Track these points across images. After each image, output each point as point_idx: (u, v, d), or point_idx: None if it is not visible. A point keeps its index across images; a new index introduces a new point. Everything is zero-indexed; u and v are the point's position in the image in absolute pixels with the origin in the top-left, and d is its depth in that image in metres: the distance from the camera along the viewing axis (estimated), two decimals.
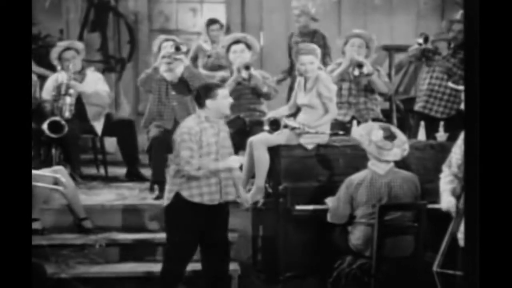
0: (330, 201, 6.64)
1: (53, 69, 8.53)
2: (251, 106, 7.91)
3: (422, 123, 7.50)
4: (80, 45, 8.70)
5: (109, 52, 10.35)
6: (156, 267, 6.70)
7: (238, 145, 7.49)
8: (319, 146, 7.07)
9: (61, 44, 8.64)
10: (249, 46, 7.93)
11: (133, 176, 8.37)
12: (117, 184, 8.24)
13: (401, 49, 9.93)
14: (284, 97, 8.41)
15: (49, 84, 8.37)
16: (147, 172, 8.02)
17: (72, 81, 8.29)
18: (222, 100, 6.25)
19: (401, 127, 8.29)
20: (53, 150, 7.99)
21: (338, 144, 7.11)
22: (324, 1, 9.82)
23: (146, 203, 7.49)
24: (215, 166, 6.17)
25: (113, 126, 8.52)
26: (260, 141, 7.13)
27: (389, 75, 9.63)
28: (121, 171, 8.57)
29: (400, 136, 6.51)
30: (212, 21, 9.16)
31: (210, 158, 6.18)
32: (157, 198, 7.48)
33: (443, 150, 6.57)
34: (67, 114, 8.18)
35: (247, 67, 7.72)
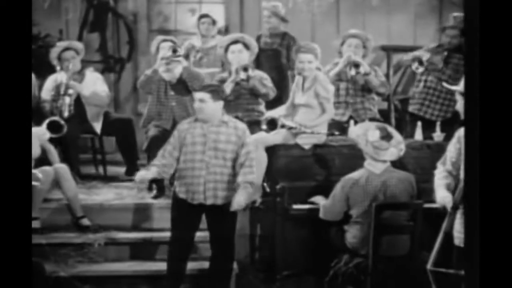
0: (317, 200, 6.72)
1: (52, 69, 8.54)
2: (250, 106, 7.95)
3: (419, 123, 7.55)
4: (79, 45, 8.72)
5: (108, 52, 10.33)
6: (155, 266, 6.87)
7: None
8: (316, 145, 7.12)
9: (61, 44, 8.66)
10: (247, 46, 7.98)
11: (133, 173, 8.34)
12: (116, 183, 8.26)
13: (399, 49, 9.99)
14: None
15: (49, 84, 8.39)
16: None
17: (72, 81, 8.31)
18: (196, 102, 6.40)
19: (399, 127, 8.37)
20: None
21: (335, 143, 7.16)
22: (322, 2, 9.85)
23: (145, 202, 7.53)
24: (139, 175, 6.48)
25: (112, 124, 8.53)
26: (258, 141, 7.14)
27: (387, 75, 9.69)
28: (120, 170, 8.59)
29: (397, 136, 6.55)
30: (203, 16, 9.21)
31: (194, 158, 6.32)
32: (156, 197, 7.58)
33: (440, 150, 6.54)
34: (66, 114, 8.20)
35: (245, 69, 7.76)
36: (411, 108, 8.25)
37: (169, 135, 7.46)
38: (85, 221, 7.21)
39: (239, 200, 6.29)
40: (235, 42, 7.99)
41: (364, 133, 6.49)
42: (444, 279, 5.41)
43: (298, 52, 7.27)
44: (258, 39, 8.90)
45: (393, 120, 9.19)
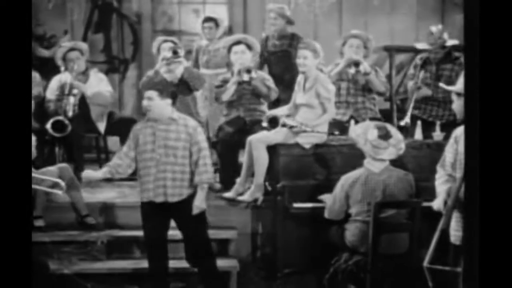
0: (326, 198, 6.74)
1: (57, 69, 8.60)
2: (252, 106, 8.01)
3: (419, 123, 7.59)
4: (84, 46, 8.80)
5: (113, 52, 10.38)
6: None
7: (238, 144, 7.66)
8: (316, 145, 7.16)
9: (66, 45, 8.73)
10: (249, 47, 8.03)
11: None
12: (119, 182, 8.21)
13: (402, 49, 10.05)
14: None
15: (53, 84, 8.45)
16: None
17: (76, 81, 8.38)
18: (144, 100, 6.47)
19: (401, 126, 8.40)
20: (57, 149, 8.11)
21: (335, 143, 7.20)
22: (323, 3, 9.89)
23: None
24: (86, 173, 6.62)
25: (116, 124, 8.57)
26: (259, 140, 7.24)
27: (389, 76, 9.75)
28: None
29: (396, 135, 6.58)
30: (207, 19, 9.25)
31: (146, 157, 6.39)
32: None
33: (439, 149, 6.52)
34: (70, 113, 8.26)
35: (248, 71, 7.81)
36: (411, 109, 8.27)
37: None
38: (90, 220, 7.28)
39: (198, 204, 6.34)
40: (237, 43, 8.04)
41: (363, 132, 6.54)
42: (440, 276, 5.46)
43: (298, 48, 7.36)
44: (265, 41, 8.96)
45: (395, 120, 9.20)
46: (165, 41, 8.39)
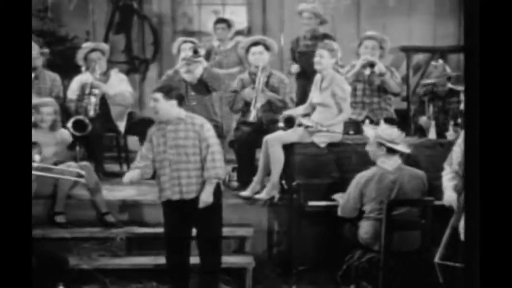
0: (338, 197, 6.82)
1: (79, 69, 8.73)
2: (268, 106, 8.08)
3: (433, 123, 7.67)
4: (105, 46, 8.90)
5: (134, 53, 10.53)
6: None
7: (255, 143, 7.76)
8: (331, 144, 7.25)
9: (87, 46, 8.83)
10: (267, 48, 8.11)
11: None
12: None
13: (419, 50, 10.11)
14: None
15: (74, 84, 8.55)
16: None
17: (97, 81, 8.48)
18: (150, 102, 6.57)
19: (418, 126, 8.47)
20: (77, 148, 8.16)
21: (350, 142, 7.28)
22: (338, 4, 9.93)
23: None
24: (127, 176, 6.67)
25: (135, 124, 8.65)
26: (275, 139, 7.33)
27: (407, 76, 9.81)
28: None
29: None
30: (219, 20, 9.36)
31: (160, 158, 6.50)
32: None
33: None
34: (91, 113, 8.36)
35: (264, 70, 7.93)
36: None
37: None
38: (110, 217, 7.37)
39: (204, 198, 6.40)
40: (256, 43, 8.12)
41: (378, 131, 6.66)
42: (450, 272, 5.54)
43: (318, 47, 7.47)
44: (297, 41, 9.03)
45: (412, 120, 9.24)
46: (185, 41, 8.44)
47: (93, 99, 8.45)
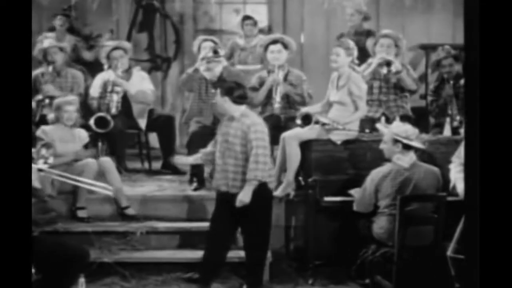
0: (355, 192, 6.92)
1: (101, 67, 8.88)
2: (286, 104, 8.18)
3: (448, 120, 7.74)
4: (127, 45, 9.04)
5: (156, 51, 10.62)
6: (193, 254, 7.11)
7: (273, 140, 7.85)
8: (347, 141, 7.34)
9: (110, 44, 8.97)
10: (285, 46, 8.21)
11: (168, 168, 8.65)
12: (159, 176, 8.52)
13: (438, 48, 10.13)
14: None
15: (97, 82, 8.69)
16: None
17: (119, 79, 8.62)
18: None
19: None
20: (100, 144, 8.31)
21: (366, 139, 7.36)
22: (360, 2, 9.99)
23: (185, 194, 7.79)
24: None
25: (155, 121, 8.79)
26: (292, 136, 7.42)
27: (425, 74, 9.85)
28: None
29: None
30: (246, 17, 9.45)
31: (216, 150, 6.78)
32: (196, 189, 7.86)
33: None
34: (113, 110, 8.50)
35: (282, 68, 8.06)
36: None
37: (209, 130, 7.86)
38: (131, 211, 7.49)
39: (240, 197, 6.53)
40: (274, 42, 8.22)
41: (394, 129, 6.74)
42: (462, 265, 5.61)
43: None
44: (339, 37, 8.98)
45: (430, 118, 9.29)
46: (205, 40, 8.55)
47: (115, 97, 8.58)
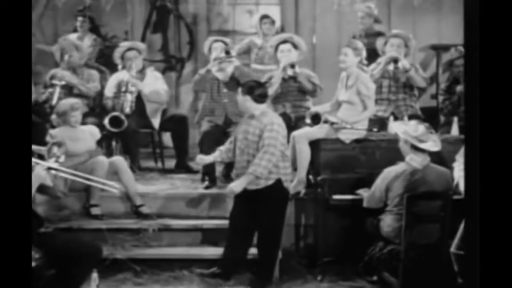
0: (363, 191, 6.98)
1: (116, 67, 8.99)
2: (297, 103, 8.33)
3: (455, 119, 7.80)
4: (141, 45, 9.12)
5: (170, 52, 10.73)
6: (203, 251, 7.24)
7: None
8: (356, 140, 7.42)
9: (124, 45, 9.06)
10: (295, 46, 8.34)
11: (182, 167, 8.75)
12: (172, 175, 8.59)
13: (449, 48, 10.16)
14: None
15: (111, 82, 8.81)
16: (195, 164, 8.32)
17: (133, 79, 8.70)
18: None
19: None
20: (114, 143, 8.50)
21: (374, 138, 7.44)
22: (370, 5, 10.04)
23: (197, 192, 7.87)
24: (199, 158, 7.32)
25: (168, 121, 8.90)
26: (302, 135, 7.51)
27: (436, 74, 9.91)
28: None
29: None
30: (264, 16, 9.50)
31: (236, 146, 6.88)
32: (207, 187, 7.95)
33: None
34: (127, 110, 8.60)
35: (292, 66, 8.14)
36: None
37: (221, 130, 7.97)
38: (145, 209, 7.58)
39: (233, 186, 6.69)
40: (284, 41, 8.35)
41: (411, 129, 6.78)
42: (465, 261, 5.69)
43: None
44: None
45: (441, 117, 9.34)
46: (216, 40, 8.62)
47: (129, 97, 8.68)
